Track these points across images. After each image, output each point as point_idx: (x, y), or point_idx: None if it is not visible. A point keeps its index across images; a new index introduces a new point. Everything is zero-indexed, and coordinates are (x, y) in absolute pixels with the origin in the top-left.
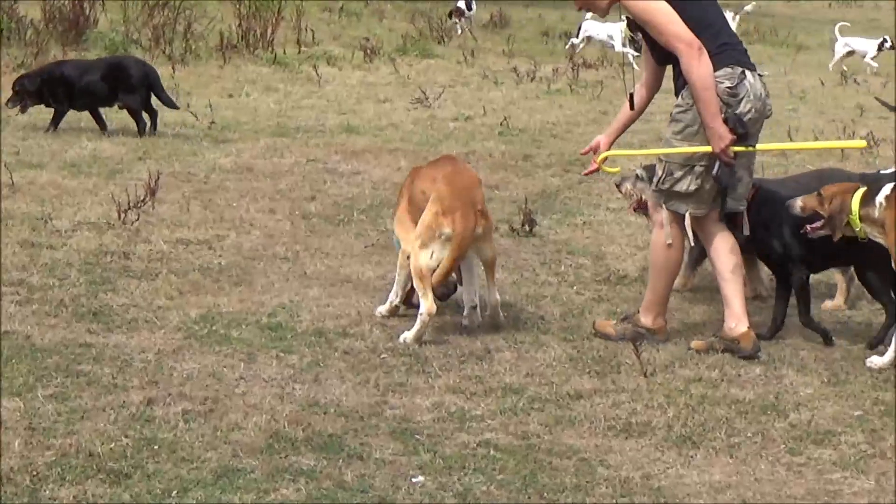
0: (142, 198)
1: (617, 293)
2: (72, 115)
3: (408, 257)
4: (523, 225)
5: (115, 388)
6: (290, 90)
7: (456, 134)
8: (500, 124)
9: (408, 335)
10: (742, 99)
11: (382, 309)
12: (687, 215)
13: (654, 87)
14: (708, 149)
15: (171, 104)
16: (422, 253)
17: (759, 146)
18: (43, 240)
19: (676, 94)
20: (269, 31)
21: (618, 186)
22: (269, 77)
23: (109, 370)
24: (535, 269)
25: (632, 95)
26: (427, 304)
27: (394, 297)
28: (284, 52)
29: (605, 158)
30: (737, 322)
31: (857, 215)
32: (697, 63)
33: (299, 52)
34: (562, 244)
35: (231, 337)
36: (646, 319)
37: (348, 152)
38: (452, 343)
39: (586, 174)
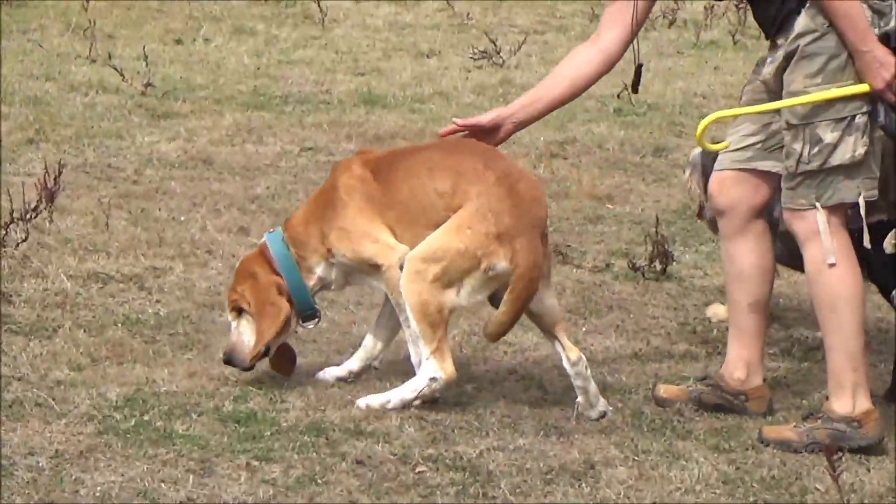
0: (32, 205)
1: (803, 375)
2: None
3: (400, 268)
4: (652, 261)
5: None
6: (275, 34)
7: None
8: (618, 96)
9: (390, 398)
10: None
11: (419, 384)
12: (861, 202)
13: (618, 52)
14: (863, 87)
15: None
16: (442, 289)
17: None
18: None
19: (770, 36)
20: None
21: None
22: (243, 12)
23: None
24: (671, 333)
25: (639, 68)
26: (442, 364)
27: (423, 354)
28: None
29: (708, 125)
30: (854, 397)
31: None
32: None
33: None
34: (714, 294)
35: (174, 433)
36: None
37: (368, 136)
38: (532, 449)
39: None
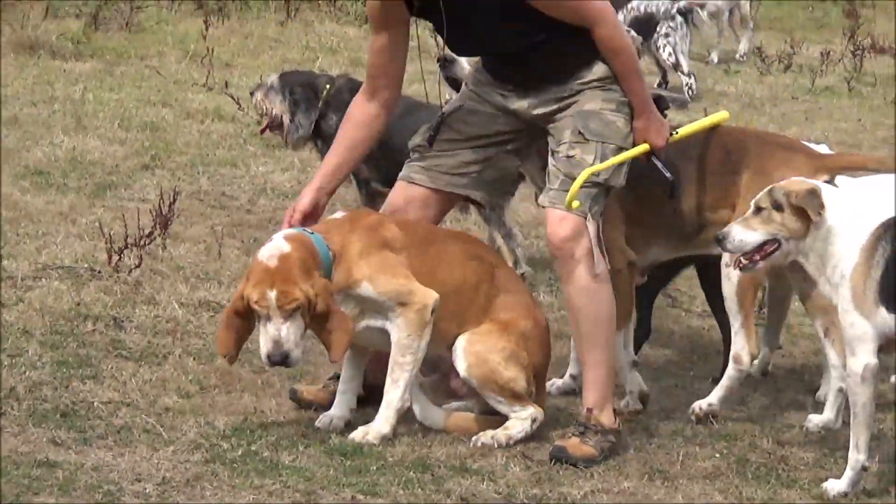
0: (147, 231)
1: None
2: (38, 93)
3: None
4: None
5: None
6: None
7: None
8: None
9: (510, 435)
10: None
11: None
12: (599, 223)
13: (395, 104)
14: (645, 147)
15: None
16: (507, 365)
17: (682, 130)
18: None
19: (552, 82)
20: None
21: (252, 94)
22: (360, 42)
23: None
24: (777, 380)
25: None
26: (535, 408)
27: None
28: None
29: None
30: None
31: None
32: (619, 31)
33: None
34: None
35: (280, 464)
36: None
37: None
38: (637, 492)
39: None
